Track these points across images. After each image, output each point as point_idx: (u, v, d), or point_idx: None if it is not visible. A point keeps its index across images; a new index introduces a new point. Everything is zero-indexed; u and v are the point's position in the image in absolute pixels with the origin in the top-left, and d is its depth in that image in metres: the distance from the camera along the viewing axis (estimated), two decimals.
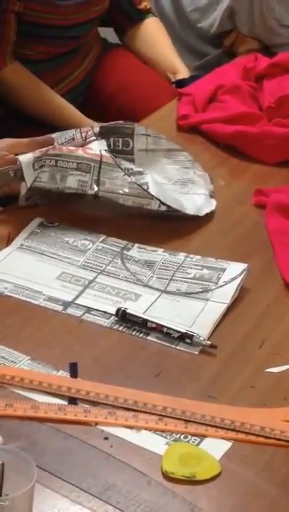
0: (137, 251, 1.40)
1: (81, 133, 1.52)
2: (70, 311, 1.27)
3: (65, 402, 1.10)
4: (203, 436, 1.06)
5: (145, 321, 1.23)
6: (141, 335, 1.23)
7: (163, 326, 1.22)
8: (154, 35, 2.19)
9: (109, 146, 1.51)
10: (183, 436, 1.06)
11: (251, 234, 1.47)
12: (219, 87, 1.88)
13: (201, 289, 1.31)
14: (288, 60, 1.93)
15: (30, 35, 2.01)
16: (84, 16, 2.05)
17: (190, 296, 1.30)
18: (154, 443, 1.05)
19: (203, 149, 1.74)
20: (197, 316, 1.26)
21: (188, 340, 1.21)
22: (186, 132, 1.80)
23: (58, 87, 2.09)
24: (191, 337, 1.21)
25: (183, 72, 2.13)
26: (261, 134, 1.72)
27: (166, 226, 1.46)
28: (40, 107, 2.02)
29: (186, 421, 1.08)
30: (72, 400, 1.10)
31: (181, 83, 2.18)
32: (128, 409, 1.09)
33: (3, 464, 0.91)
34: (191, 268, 1.36)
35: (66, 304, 1.28)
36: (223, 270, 1.34)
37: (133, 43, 2.21)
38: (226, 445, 1.05)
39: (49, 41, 2.04)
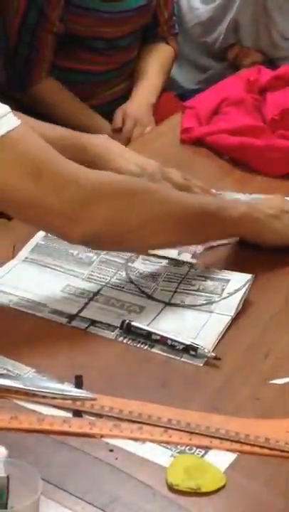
0: (141, 263, 1.40)
1: None
2: (74, 323, 1.27)
3: (70, 415, 1.10)
4: (207, 448, 1.06)
5: (150, 333, 1.24)
6: (145, 347, 1.23)
7: (167, 338, 1.23)
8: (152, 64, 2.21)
9: None
10: (188, 448, 1.06)
11: (255, 245, 1.47)
12: (223, 100, 1.89)
13: (205, 301, 1.31)
14: None
15: (82, 47, 2.04)
16: (129, 28, 2.08)
17: (194, 308, 1.30)
18: (159, 455, 1.05)
19: (207, 161, 1.75)
20: (201, 328, 1.26)
21: (192, 352, 1.21)
22: (190, 145, 1.81)
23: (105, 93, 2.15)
24: (195, 349, 1.21)
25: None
26: (265, 147, 1.73)
27: None
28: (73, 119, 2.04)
29: (191, 433, 1.08)
30: (77, 413, 1.10)
31: (184, 96, 2.20)
32: (133, 422, 1.09)
33: (8, 477, 0.91)
34: (195, 279, 1.36)
35: (71, 317, 1.28)
36: (227, 281, 1.35)
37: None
38: (231, 457, 1.05)
39: (101, 52, 2.07)
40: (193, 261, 1.42)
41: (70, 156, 1.49)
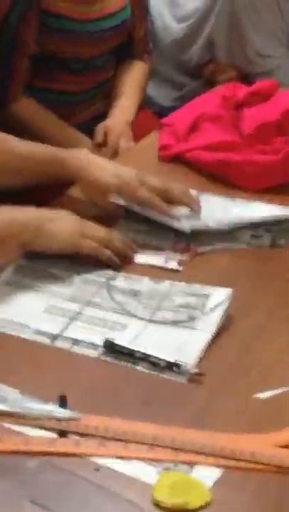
0: (122, 281, 1.41)
1: None
2: (58, 343, 1.27)
3: (55, 435, 1.10)
4: (193, 464, 1.06)
5: (133, 351, 1.24)
6: (129, 365, 1.23)
7: (150, 356, 1.23)
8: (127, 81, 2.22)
9: None
10: (174, 464, 1.06)
11: (235, 260, 1.48)
12: (200, 116, 1.90)
13: (187, 317, 1.32)
14: (266, 89, 1.96)
15: (60, 67, 2.05)
16: (106, 48, 2.10)
17: (176, 325, 1.31)
18: (145, 472, 1.05)
19: (186, 178, 1.75)
20: (184, 345, 1.26)
21: (175, 369, 1.21)
22: (168, 162, 1.82)
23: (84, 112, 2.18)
24: (178, 366, 1.21)
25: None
26: (244, 162, 1.74)
27: None
28: (53, 136, 2.05)
29: (177, 449, 1.08)
30: (63, 433, 1.10)
31: (162, 114, 2.21)
32: (118, 440, 1.09)
33: None
34: (176, 296, 1.37)
35: (54, 337, 1.28)
36: (208, 297, 1.35)
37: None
38: (217, 472, 1.05)
39: (78, 72, 2.09)
40: (180, 268, 1.45)
41: (50, 171, 1.52)
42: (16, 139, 1.56)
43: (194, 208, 1.55)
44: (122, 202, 1.54)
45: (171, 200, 1.55)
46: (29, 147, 1.56)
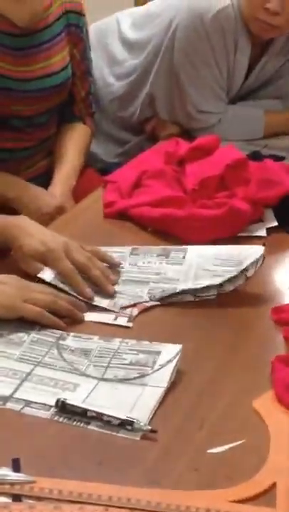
0: (72, 340, 1.41)
1: None
2: (9, 405, 1.26)
3: (9, 500, 1.09)
4: None
5: (85, 411, 1.24)
6: (82, 424, 1.23)
7: (103, 414, 1.23)
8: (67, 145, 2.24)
9: None
10: None
11: (184, 314, 1.50)
12: (143, 173, 1.93)
13: (138, 374, 1.32)
14: (207, 144, 1.99)
15: (0, 124, 2.07)
16: (46, 106, 2.12)
17: (128, 382, 1.31)
18: None
19: (131, 234, 1.77)
20: (136, 402, 1.26)
21: (128, 427, 1.21)
22: (113, 219, 1.83)
23: (27, 170, 2.18)
24: (131, 423, 1.21)
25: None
26: (188, 217, 1.76)
27: None
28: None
29: (132, 509, 1.08)
30: (17, 497, 1.09)
31: (105, 170, 2.23)
32: (73, 502, 1.09)
33: None
34: (126, 353, 1.37)
35: (4, 399, 1.27)
36: (159, 353, 1.36)
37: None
38: None
39: (20, 130, 2.10)
40: (130, 325, 1.45)
41: None
42: None
43: (108, 293, 1.53)
44: (46, 277, 1.52)
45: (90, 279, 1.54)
46: None
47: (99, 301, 1.51)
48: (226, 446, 1.19)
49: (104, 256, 1.59)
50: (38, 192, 2.07)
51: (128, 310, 1.49)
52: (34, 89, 2.07)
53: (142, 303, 1.52)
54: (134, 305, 1.51)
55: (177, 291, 1.53)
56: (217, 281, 1.53)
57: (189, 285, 1.54)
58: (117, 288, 1.55)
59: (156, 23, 2.35)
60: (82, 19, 2.18)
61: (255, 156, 2.10)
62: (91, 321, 1.46)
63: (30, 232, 1.56)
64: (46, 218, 1.91)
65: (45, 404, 1.26)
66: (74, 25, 2.16)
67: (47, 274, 1.52)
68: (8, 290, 1.42)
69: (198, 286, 1.53)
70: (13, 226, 1.57)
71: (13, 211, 1.95)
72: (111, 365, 1.35)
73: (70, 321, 1.45)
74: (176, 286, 1.54)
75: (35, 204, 2.02)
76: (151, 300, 1.52)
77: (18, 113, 2.08)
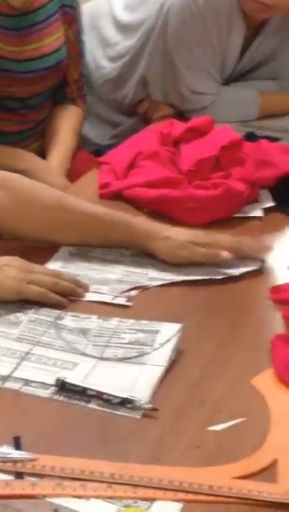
0: (70, 319, 1.40)
1: None
2: (8, 384, 1.26)
3: (11, 477, 1.08)
4: (152, 500, 1.06)
5: (85, 389, 1.23)
6: (82, 403, 1.22)
7: (103, 393, 1.22)
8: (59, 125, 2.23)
9: None
10: (133, 501, 1.06)
11: (184, 295, 1.49)
12: (138, 154, 1.92)
13: (137, 354, 1.32)
14: (202, 125, 1.98)
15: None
16: (40, 87, 2.10)
17: (127, 362, 1.30)
18: (105, 511, 1.04)
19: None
20: (136, 381, 1.26)
21: (129, 405, 1.21)
22: (108, 200, 1.82)
23: None
24: (131, 402, 1.21)
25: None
26: (183, 198, 1.76)
27: None
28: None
29: (135, 485, 1.07)
30: (19, 475, 1.09)
31: (99, 152, 2.22)
32: (75, 479, 1.08)
33: None
34: (125, 333, 1.37)
35: (3, 378, 1.27)
36: (158, 332, 1.36)
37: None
38: (177, 506, 1.05)
39: (14, 111, 2.09)
40: (129, 303, 1.44)
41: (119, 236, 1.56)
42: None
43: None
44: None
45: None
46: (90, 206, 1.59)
47: (98, 288, 1.50)
48: (227, 424, 1.19)
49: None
50: (46, 167, 2.09)
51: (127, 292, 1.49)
52: (27, 70, 2.06)
53: (141, 286, 1.51)
54: (134, 288, 1.50)
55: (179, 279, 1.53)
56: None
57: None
58: (116, 277, 1.54)
59: (149, 4, 2.34)
60: (75, 0, 2.18)
61: (250, 137, 2.09)
62: (89, 301, 1.46)
63: None
64: None
65: (44, 384, 1.25)
66: (68, 6, 2.15)
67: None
68: (13, 273, 1.41)
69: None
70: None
71: None
72: (110, 344, 1.34)
73: (72, 299, 1.44)
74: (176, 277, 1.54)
75: (44, 181, 2.01)
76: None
77: (13, 94, 2.07)
